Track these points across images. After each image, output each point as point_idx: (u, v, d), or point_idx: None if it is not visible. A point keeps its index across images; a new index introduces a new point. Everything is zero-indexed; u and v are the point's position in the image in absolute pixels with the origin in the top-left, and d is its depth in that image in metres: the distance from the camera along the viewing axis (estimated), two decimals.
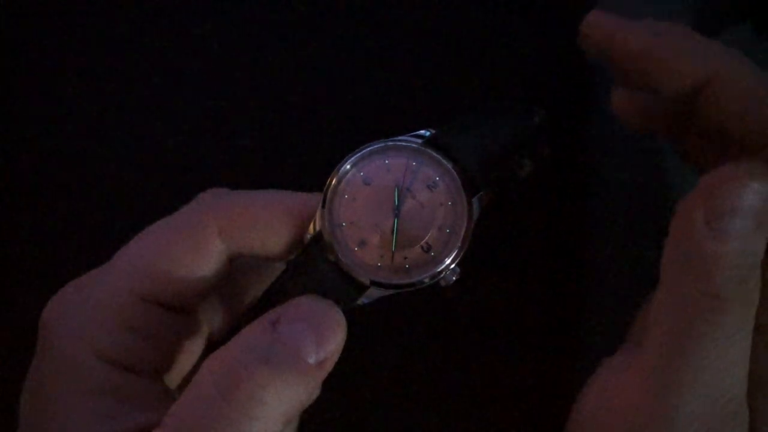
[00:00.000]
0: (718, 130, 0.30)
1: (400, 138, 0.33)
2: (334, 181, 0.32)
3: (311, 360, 0.30)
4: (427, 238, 0.32)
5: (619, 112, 0.35)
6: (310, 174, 0.33)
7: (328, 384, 0.31)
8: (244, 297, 0.35)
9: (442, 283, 0.32)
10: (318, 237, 0.32)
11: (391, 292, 0.32)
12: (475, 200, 0.32)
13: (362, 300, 0.32)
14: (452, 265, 0.32)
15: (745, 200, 0.27)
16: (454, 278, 0.32)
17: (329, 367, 0.30)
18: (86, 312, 0.31)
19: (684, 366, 0.28)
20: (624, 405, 0.29)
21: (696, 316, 0.28)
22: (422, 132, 0.33)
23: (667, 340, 0.28)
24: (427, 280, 0.32)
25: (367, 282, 0.32)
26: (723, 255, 0.27)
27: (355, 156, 0.32)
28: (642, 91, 0.34)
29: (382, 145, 0.32)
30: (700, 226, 0.28)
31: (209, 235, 0.32)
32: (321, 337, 0.30)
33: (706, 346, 0.28)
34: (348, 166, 0.32)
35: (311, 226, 0.32)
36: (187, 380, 0.34)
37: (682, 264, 0.28)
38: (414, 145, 0.32)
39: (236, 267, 0.34)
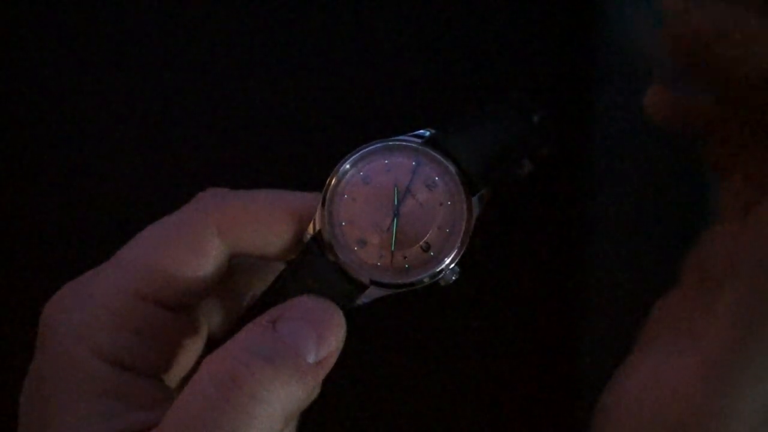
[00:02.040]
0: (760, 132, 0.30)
1: (399, 137, 0.33)
2: (333, 181, 0.32)
3: (311, 359, 0.30)
4: (426, 237, 0.32)
5: (650, 109, 0.35)
6: (310, 174, 0.33)
7: (327, 383, 0.31)
8: (243, 296, 0.35)
9: (442, 282, 0.32)
10: (318, 236, 0.32)
11: (390, 291, 0.32)
12: (474, 200, 0.32)
13: (362, 299, 0.32)
14: (452, 265, 0.32)
15: None
16: (453, 278, 0.32)
17: (329, 366, 0.30)
18: (86, 311, 0.31)
19: (747, 363, 0.27)
20: (676, 395, 0.29)
21: (766, 316, 0.27)
22: (422, 132, 0.33)
23: (735, 337, 0.28)
24: (426, 280, 0.32)
25: (367, 281, 0.32)
26: None
27: (355, 156, 0.32)
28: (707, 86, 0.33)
29: (382, 144, 0.32)
30: None
31: (209, 234, 0.32)
32: (321, 337, 0.30)
33: None
34: (348, 166, 0.32)
35: (311, 225, 0.32)
36: (186, 380, 0.34)
37: (758, 263, 0.28)
38: (414, 145, 0.32)
39: (236, 267, 0.34)
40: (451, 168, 0.32)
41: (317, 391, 0.31)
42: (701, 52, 0.29)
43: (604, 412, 0.31)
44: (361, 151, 0.32)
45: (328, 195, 0.32)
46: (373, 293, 0.32)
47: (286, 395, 0.29)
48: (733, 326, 0.28)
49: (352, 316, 0.31)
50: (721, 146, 0.34)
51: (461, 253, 0.32)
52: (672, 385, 0.29)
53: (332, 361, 0.30)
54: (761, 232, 0.28)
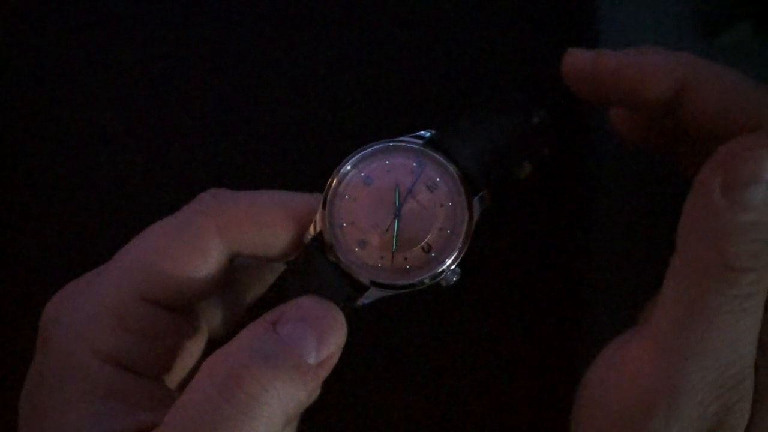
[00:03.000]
0: (705, 133, 0.31)
1: (400, 139, 0.33)
2: (334, 182, 0.32)
3: (311, 360, 0.30)
4: (427, 238, 0.32)
5: (618, 130, 0.37)
6: (311, 174, 0.33)
7: (328, 384, 0.31)
8: (244, 297, 0.35)
9: (443, 283, 0.32)
10: (318, 237, 0.32)
11: (391, 292, 0.32)
12: (475, 201, 0.32)
13: (362, 300, 0.32)
14: (452, 266, 0.32)
15: (763, 170, 0.27)
16: (454, 279, 0.32)
17: (329, 367, 0.30)
18: (86, 312, 0.31)
19: (694, 335, 0.28)
20: (633, 373, 0.29)
21: (709, 286, 0.28)
22: (422, 133, 0.33)
23: (679, 309, 0.28)
24: (427, 281, 0.32)
25: (368, 282, 0.32)
26: (739, 226, 0.27)
27: (356, 157, 0.32)
28: (629, 109, 0.35)
29: (383, 145, 0.33)
30: (717, 195, 0.28)
31: (209, 235, 0.32)
32: (321, 338, 0.30)
33: (717, 317, 0.28)
34: (348, 167, 0.32)
35: (312, 226, 0.32)
36: (187, 380, 0.34)
37: (697, 234, 0.28)
38: (414, 146, 0.33)
39: (236, 267, 0.34)
40: (452, 169, 0.32)
41: (318, 391, 0.31)
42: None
43: (578, 400, 0.31)
44: (362, 152, 0.32)
45: (329, 196, 0.32)
46: (373, 294, 0.32)
47: (286, 396, 0.29)
48: (677, 304, 0.28)
49: (352, 317, 0.31)
50: (686, 154, 0.35)
51: (462, 254, 0.32)
52: (627, 367, 0.30)
53: (333, 362, 0.31)
54: (693, 213, 0.29)
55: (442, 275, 0.32)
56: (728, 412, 0.29)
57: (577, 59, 0.34)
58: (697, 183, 0.29)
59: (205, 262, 0.32)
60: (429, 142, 0.33)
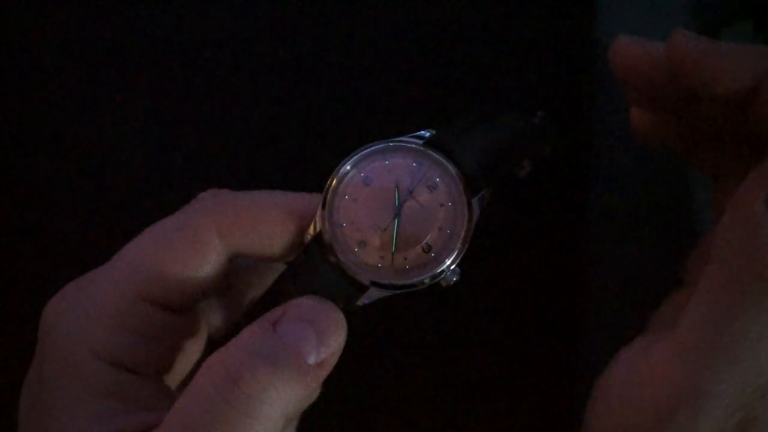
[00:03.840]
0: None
1: (400, 138, 0.33)
2: (334, 182, 0.32)
3: (311, 360, 0.30)
4: (427, 238, 0.32)
5: (636, 128, 0.36)
6: (311, 174, 0.33)
7: (328, 384, 0.31)
8: (244, 297, 0.35)
9: (443, 283, 0.32)
10: (318, 238, 0.32)
11: (391, 292, 0.32)
12: (475, 201, 0.32)
13: (362, 300, 0.32)
14: (452, 266, 0.32)
15: None
16: (454, 279, 0.32)
17: (329, 367, 0.30)
18: (86, 312, 0.31)
19: (725, 343, 0.28)
20: (658, 375, 0.29)
21: (744, 296, 0.28)
22: (422, 133, 0.33)
23: (711, 316, 0.28)
24: (427, 281, 0.32)
25: (368, 282, 0.32)
26: None
27: (356, 156, 0.32)
28: (661, 108, 0.34)
29: (383, 145, 0.32)
30: (760, 208, 0.28)
31: (209, 235, 0.32)
32: (321, 338, 0.30)
33: (750, 327, 0.28)
34: (348, 167, 0.32)
35: (311, 226, 0.32)
36: (187, 380, 0.34)
37: (735, 244, 0.28)
38: (414, 146, 0.32)
39: (236, 267, 0.34)
40: (452, 169, 0.32)
41: (318, 391, 0.31)
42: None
43: (593, 402, 0.31)
44: (362, 152, 0.32)
45: (328, 196, 0.32)
46: (373, 294, 0.32)
47: (286, 396, 0.29)
48: (709, 311, 0.28)
49: (352, 317, 0.31)
50: (710, 154, 0.34)
51: (462, 254, 0.32)
52: (652, 370, 0.29)
53: (333, 362, 0.30)
54: (734, 223, 0.29)
55: (442, 275, 0.32)
56: (751, 423, 0.28)
57: (633, 47, 0.32)
58: (740, 194, 0.29)
59: (205, 262, 0.32)
60: (429, 142, 0.33)
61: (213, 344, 0.34)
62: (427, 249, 0.32)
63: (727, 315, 0.28)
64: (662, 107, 0.34)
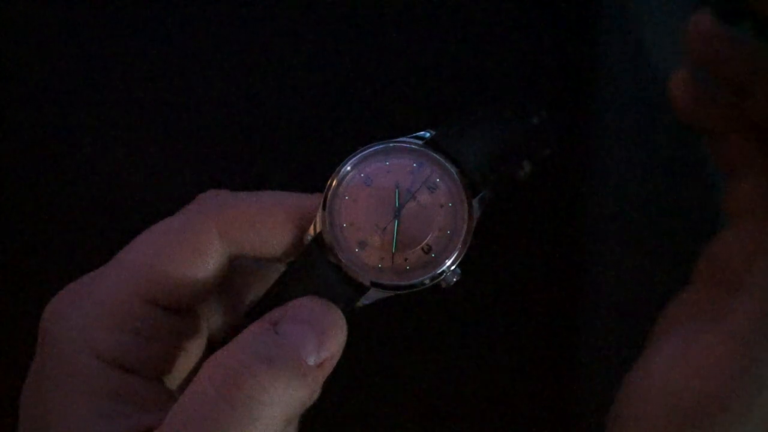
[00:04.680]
0: None
1: (400, 139, 0.33)
2: (334, 183, 0.32)
3: (312, 361, 0.30)
4: (427, 239, 0.32)
5: (675, 97, 0.35)
6: (311, 175, 0.33)
7: (328, 384, 0.31)
8: (244, 298, 0.35)
9: (443, 284, 0.32)
10: (318, 238, 0.32)
11: (391, 293, 0.32)
12: (475, 201, 0.32)
13: (363, 301, 0.32)
14: (453, 267, 0.32)
15: None
16: (454, 279, 0.32)
17: (330, 368, 0.30)
18: (86, 313, 0.31)
19: None
20: (707, 364, 0.29)
21: None
22: (423, 133, 0.33)
23: (764, 308, 0.28)
24: (427, 282, 0.32)
25: (368, 283, 0.32)
26: None
27: (356, 157, 0.32)
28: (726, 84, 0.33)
29: (383, 146, 0.32)
30: None
31: (209, 236, 0.32)
32: (322, 338, 0.30)
33: None
34: (348, 168, 0.32)
35: (312, 227, 0.32)
36: (187, 381, 0.34)
37: None
38: (415, 147, 0.32)
39: (236, 268, 0.34)
40: (452, 169, 0.32)
41: (318, 392, 0.31)
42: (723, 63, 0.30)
43: (627, 395, 0.31)
44: (362, 153, 0.32)
45: (329, 196, 0.32)
46: (373, 295, 0.32)
47: (286, 397, 0.29)
48: (762, 302, 0.28)
49: (353, 317, 0.31)
50: (737, 146, 0.34)
51: (462, 255, 0.32)
52: (698, 361, 0.29)
53: (333, 362, 0.30)
54: None
55: (442, 276, 0.32)
56: None
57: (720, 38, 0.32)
58: None
59: (206, 262, 0.32)
60: (429, 143, 0.33)
61: (213, 345, 0.34)
62: (428, 250, 0.32)
63: None
64: (731, 84, 0.33)
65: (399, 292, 0.32)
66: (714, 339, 0.29)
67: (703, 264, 0.33)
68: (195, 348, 0.34)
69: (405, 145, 0.33)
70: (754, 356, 0.28)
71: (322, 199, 0.32)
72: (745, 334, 0.28)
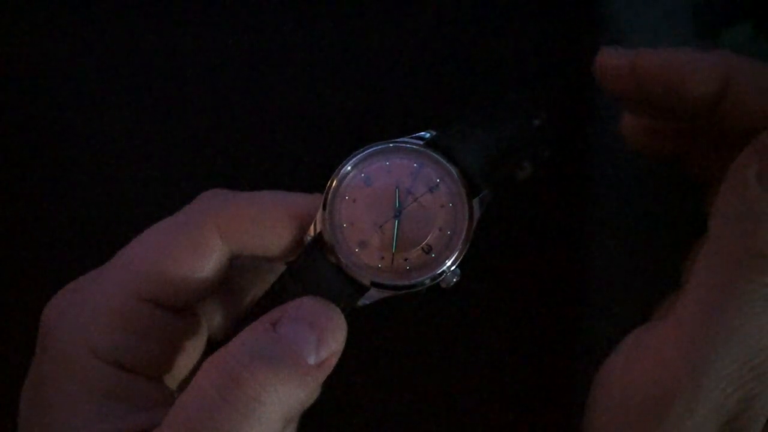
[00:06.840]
0: (744, 130, 0.30)
1: (401, 139, 0.33)
2: (335, 183, 0.32)
3: (312, 361, 0.30)
4: (427, 239, 0.32)
5: (627, 137, 0.37)
6: (311, 175, 0.33)
7: (328, 384, 0.31)
8: (244, 297, 0.35)
9: (443, 284, 0.32)
10: (318, 238, 0.32)
11: (391, 293, 0.32)
12: (475, 202, 0.32)
13: (363, 301, 0.32)
14: (453, 267, 0.32)
15: None
16: (454, 280, 0.32)
17: (330, 367, 0.30)
18: (86, 312, 0.31)
19: (721, 322, 0.28)
20: (657, 358, 0.29)
21: (739, 273, 0.28)
22: (423, 134, 0.33)
23: (708, 295, 0.28)
24: (427, 282, 0.32)
25: (368, 283, 0.32)
26: None
27: (356, 157, 0.32)
28: (653, 114, 0.35)
29: (383, 146, 0.33)
30: (752, 182, 0.28)
31: (209, 235, 0.32)
32: (321, 338, 0.30)
33: (745, 306, 0.28)
34: (349, 168, 0.32)
35: (312, 227, 0.32)
36: (187, 381, 0.34)
37: (730, 220, 0.28)
38: (415, 147, 0.32)
39: (236, 267, 0.34)
40: (453, 170, 0.32)
41: (318, 392, 0.31)
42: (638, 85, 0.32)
43: (596, 388, 0.31)
44: (363, 153, 0.32)
45: (329, 196, 0.32)
46: (373, 295, 0.32)
47: (286, 396, 0.29)
48: (705, 291, 0.28)
49: (352, 317, 0.31)
50: (699, 160, 0.35)
51: (462, 255, 0.32)
52: (653, 353, 0.30)
53: (333, 362, 0.30)
54: (727, 201, 0.29)
55: (442, 276, 0.32)
56: (750, 402, 0.28)
57: (613, 58, 0.33)
58: (732, 170, 0.29)
59: (206, 262, 0.32)
60: (429, 143, 0.33)
61: (213, 344, 0.34)
62: (428, 250, 0.32)
63: (724, 293, 0.28)
64: (649, 113, 0.35)
65: (399, 292, 0.32)
66: (662, 333, 0.30)
67: (688, 267, 0.34)
68: (195, 347, 0.34)
69: (405, 145, 0.33)
70: (696, 347, 0.28)
71: (323, 199, 0.32)
72: (687, 324, 0.29)
